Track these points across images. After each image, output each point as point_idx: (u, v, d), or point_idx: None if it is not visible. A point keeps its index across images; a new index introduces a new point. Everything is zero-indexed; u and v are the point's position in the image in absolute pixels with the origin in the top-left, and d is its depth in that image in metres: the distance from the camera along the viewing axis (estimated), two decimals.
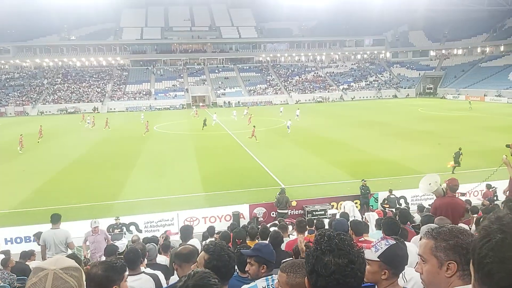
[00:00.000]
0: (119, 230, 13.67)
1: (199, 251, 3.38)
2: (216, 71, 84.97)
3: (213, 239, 5.38)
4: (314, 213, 15.24)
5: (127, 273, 4.04)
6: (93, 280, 2.59)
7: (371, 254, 2.37)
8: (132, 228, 14.12)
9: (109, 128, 41.06)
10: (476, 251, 0.91)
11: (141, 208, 15.94)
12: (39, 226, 11.76)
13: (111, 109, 67.96)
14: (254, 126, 32.11)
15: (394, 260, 2.38)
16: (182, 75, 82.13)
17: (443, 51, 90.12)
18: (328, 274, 1.49)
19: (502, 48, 79.23)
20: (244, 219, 14.96)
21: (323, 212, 15.09)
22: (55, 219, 7.49)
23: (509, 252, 0.83)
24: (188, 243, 6.12)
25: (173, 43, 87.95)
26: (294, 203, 15.73)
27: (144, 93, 74.69)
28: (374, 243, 2.44)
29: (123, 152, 28.03)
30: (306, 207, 15.50)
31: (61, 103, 68.59)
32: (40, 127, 35.46)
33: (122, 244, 7.24)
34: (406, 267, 3.78)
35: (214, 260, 2.66)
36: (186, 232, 6.84)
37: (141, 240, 9.01)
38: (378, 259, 2.36)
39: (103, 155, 27.30)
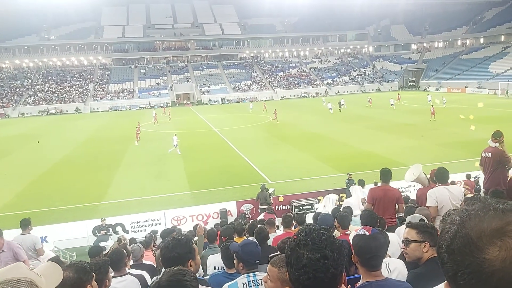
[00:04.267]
0: (105, 231, 13.56)
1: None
2: (200, 68, 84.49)
3: (196, 238, 5.37)
4: (301, 207, 15.35)
5: (111, 274, 4.02)
6: (66, 283, 2.59)
7: None
8: (119, 228, 14.01)
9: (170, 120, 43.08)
10: (438, 242, 0.94)
11: (127, 209, 15.81)
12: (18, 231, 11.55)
13: (94, 109, 67.00)
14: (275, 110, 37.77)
15: (361, 250, 2.42)
16: (165, 73, 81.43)
17: (425, 44, 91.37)
18: (300, 267, 1.51)
19: (481, 40, 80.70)
20: (232, 216, 14.98)
21: (310, 207, 15.21)
22: (24, 224, 7.31)
23: (458, 244, 0.85)
24: None
25: (155, 41, 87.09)
26: (281, 199, 15.82)
27: (127, 92, 73.80)
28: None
29: (108, 152, 27.70)
30: (293, 202, 15.59)
31: (42, 104, 67.25)
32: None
33: (107, 245, 7.15)
34: (389, 258, 3.87)
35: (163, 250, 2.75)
36: (167, 235, 6.79)
37: (128, 240, 8.95)
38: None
39: (87, 156, 26.93)
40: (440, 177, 6.34)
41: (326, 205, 13.59)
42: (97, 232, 13.60)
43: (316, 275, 1.49)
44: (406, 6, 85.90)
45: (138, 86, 75.85)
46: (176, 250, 2.72)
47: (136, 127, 31.64)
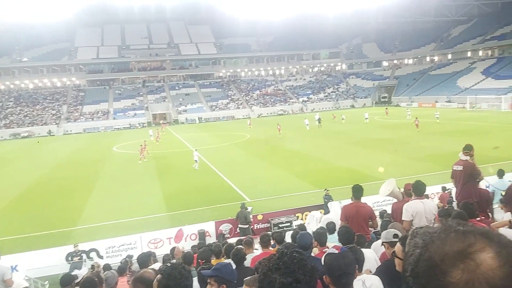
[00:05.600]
0: (79, 257, 13.09)
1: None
2: (177, 87, 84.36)
3: (174, 261, 5.25)
4: (280, 225, 15.29)
5: None
6: None
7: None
8: (93, 254, 13.54)
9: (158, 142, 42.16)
10: (403, 266, 0.95)
11: (102, 233, 15.34)
12: None
13: (67, 131, 65.51)
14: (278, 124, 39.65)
15: (332, 269, 2.42)
16: (141, 93, 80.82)
17: (395, 61, 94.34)
18: None
19: (449, 56, 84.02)
20: (210, 236, 14.75)
21: (289, 224, 15.17)
22: None
23: (422, 268, 0.85)
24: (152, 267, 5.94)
25: (131, 61, 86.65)
26: (260, 217, 15.73)
27: (102, 113, 72.66)
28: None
29: (81, 175, 27.02)
30: (272, 220, 15.52)
31: (13, 127, 65.29)
32: None
33: (80, 273, 6.88)
34: (366, 275, 3.88)
35: (164, 280, 2.59)
36: (143, 260, 6.62)
37: (102, 267, 8.65)
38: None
39: (60, 180, 26.17)
40: (417, 190, 6.48)
41: (310, 222, 13.61)
42: (70, 259, 13.11)
43: None
44: (377, 25, 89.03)
45: (113, 107, 74.86)
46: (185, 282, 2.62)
47: (141, 145, 31.76)
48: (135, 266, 7.63)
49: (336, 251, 2.47)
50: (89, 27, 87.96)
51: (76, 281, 5.87)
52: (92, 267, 9.17)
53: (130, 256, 11.49)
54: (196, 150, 28.16)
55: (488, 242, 0.84)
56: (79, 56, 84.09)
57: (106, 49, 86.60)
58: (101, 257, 13.37)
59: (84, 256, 13.22)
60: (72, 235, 15.67)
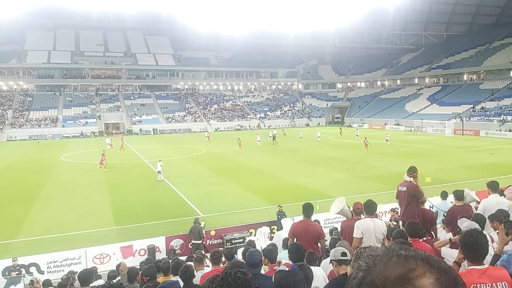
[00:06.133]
0: (17, 272, 12.21)
1: None
2: (132, 97, 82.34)
3: (119, 277, 5.04)
4: (233, 241, 15.17)
5: None
6: None
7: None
8: (33, 269, 12.67)
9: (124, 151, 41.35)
10: None
11: (44, 247, 14.42)
12: None
13: (11, 137, 61.67)
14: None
15: (281, 286, 2.46)
16: (94, 101, 78.02)
17: (349, 84, 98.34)
18: None
19: (398, 82, 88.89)
20: (160, 252, 14.32)
21: (241, 240, 15.09)
22: None
23: None
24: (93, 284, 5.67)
25: (84, 68, 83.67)
26: (213, 232, 15.52)
27: (50, 120, 69.22)
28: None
29: (23, 185, 25.43)
30: (225, 235, 15.36)
31: None
32: None
33: None
34: None
35: None
36: (85, 277, 6.33)
37: (41, 283, 8.13)
38: None
39: None
40: (368, 208, 6.71)
41: (259, 238, 13.62)
42: (7, 273, 12.20)
43: None
44: (332, 49, 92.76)
45: (63, 114, 71.59)
46: None
47: (102, 155, 31.74)
48: (78, 283, 7.24)
49: (287, 269, 2.51)
50: (41, 30, 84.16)
51: None
52: (31, 282, 8.58)
53: (72, 272, 10.88)
54: (160, 160, 27.60)
55: (429, 267, 0.86)
56: (29, 60, 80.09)
57: (58, 54, 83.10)
58: (41, 272, 12.55)
59: (23, 271, 12.35)
60: (11, 248, 14.63)
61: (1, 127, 64.02)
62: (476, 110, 62.65)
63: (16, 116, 68.77)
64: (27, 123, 67.02)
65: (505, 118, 55.46)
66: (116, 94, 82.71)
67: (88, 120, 70.16)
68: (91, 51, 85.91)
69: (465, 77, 75.56)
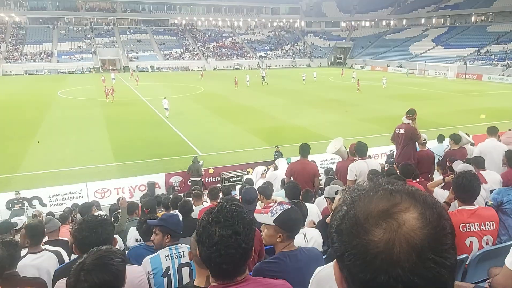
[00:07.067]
0: (20, 205, 12.63)
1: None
2: (128, 32, 79.67)
3: (119, 211, 5.22)
4: (231, 179, 15.56)
5: (24, 252, 3.77)
6: None
7: (267, 219, 2.49)
8: (35, 202, 13.11)
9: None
10: (330, 222, 0.95)
11: (45, 181, 14.76)
12: None
13: (6, 72, 60.53)
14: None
15: (287, 224, 2.52)
16: (89, 36, 75.59)
17: (353, 23, 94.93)
18: (211, 245, 1.51)
19: (404, 22, 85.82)
20: (160, 188, 14.72)
21: (239, 179, 15.45)
22: None
23: (346, 225, 0.85)
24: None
25: (77, 0, 79.98)
26: (211, 171, 15.86)
27: (45, 54, 67.53)
28: (271, 208, 2.56)
29: (22, 120, 25.45)
30: (223, 173, 15.73)
31: None
32: None
33: (20, 220, 6.66)
34: (307, 228, 4.09)
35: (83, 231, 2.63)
36: (84, 210, 6.52)
37: (44, 215, 8.42)
38: (274, 223, 2.49)
39: None
40: (359, 151, 6.78)
41: (255, 177, 13.91)
42: (10, 206, 12.62)
43: (228, 251, 1.51)
44: None
45: (58, 49, 69.68)
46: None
47: (106, 88, 33.54)
48: (79, 216, 7.50)
49: (288, 206, 2.57)
50: None
51: (16, 228, 5.69)
52: (34, 216, 8.88)
53: (76, 205, 11.24)
54: (165, 98, 27.56)
55: (414, 202, 0.84)
56: None
57: None
58: (44, 205, 12.99)
59: (26, 203, 12.76)
60: (12, 182, 14.98)
61: None
62: (481, 54, 61.22)
63: (10, 50, 66.95)
64: (22, 57, 65.44)
65: (509, 63, 54.37)
66: (112, 28, 79.92)
67: (83, 56, 68.48)
68: None
69: (473, 18, 72.90)
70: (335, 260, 0.91)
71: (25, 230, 4.16)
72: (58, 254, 4.17)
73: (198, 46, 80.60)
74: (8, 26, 73.79)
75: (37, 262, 3.90)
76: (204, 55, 77.72)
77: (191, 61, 74.06)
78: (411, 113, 7.97)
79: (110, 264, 1.85)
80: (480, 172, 5.56)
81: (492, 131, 7.53)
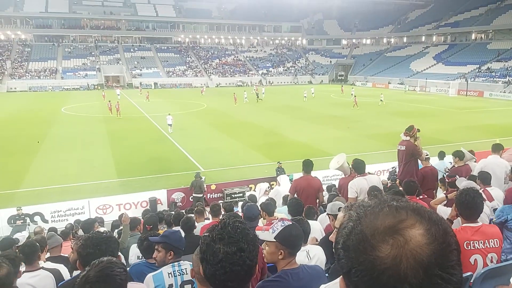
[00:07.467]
0: (22, 221, 12.59)
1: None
2: (132, 50, 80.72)
3: (122, 227, 5.21)
4: (233, 195, 15.50)
5: (22, 268, 3.75)
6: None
7: (268, 236, 2.49)
8: (37, 218, 13.06)
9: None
10: (336, 238, 0.95)
11: (48, 197, 14.75)
12: None
13: (11, 88, 61.19)
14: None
15: (288, 240, 2.51)
16: (93, 53, 76.61)
17: (354, 41, 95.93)
18: (216, 262, 1.50)
19: (405, 40, 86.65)
20: (162, 204, 14.68)
21: (241, 195, 15.40)
22: None
23: (353, 241, 0.85)
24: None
25: (82, 18, 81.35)
26: (213, 187, 15.83)
27: (50, 71, 68.33)
28: (272, 225, 2.56)
29: (26, 136, 25.57)
30: (225, 190, 15.68)
31: None
32: None
33: (22, 236, 6.64)
34: (310, 245, 4.07)
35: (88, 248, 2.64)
36: (87, 226, 6.51)
37: (46, 231, 8.39)
38: (275, 240, 2.48)
39: (2, 140, 24.61)
40: (357, 168, 6.77)
41: (258, 194, 13.87)
42: (12, 222, 12.58)
43: (233, 268, 1.50)
44: (339, 2, 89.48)
45: (62, 66, 70.59)
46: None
47: (110, 103, 34.50)
48: (81, 232, 7.49)
49: (289, 223, 2.57)
50: None
51: (18, 244, 5.67)
52: (37, 233, 8.85)
53: (78, 222, 11.21)
54: (169, 114, 27.94)
55: (419, 218, 0.85)
56: (26, 8, 77.74)
57: (55, 2, 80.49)
58: (46, 221, 12.93)
59: (28, 219, 12.73)
60: (15, 198, 14.97)
61: (1, 78, 63.35)
62: (482, 71, 61.56)
63: (15, 67, 67.82)
64: (27, 74, 66.24)
65: (510, 80, 54.59)
66: (116, 46, 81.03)
67: (88, 72, 69.26)
68: (89, 0, 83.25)
69: (473, 36, 73.55)
70: (340, 276, 0.92)
71: (19, 249, 4.12)
72: (56, 272, 4.10)
73: (201, 63, 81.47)
74: (14, 43, 74.94)
75: (34, 281, 3.84)
76: (207, 72, 78.47)
77: (194, 78, 74.73)
78: (408, 130, 8.01)
79: (113, 275, 1.91)
80: (486, 188, 5.54)
81: (497, 148, 7.54)
